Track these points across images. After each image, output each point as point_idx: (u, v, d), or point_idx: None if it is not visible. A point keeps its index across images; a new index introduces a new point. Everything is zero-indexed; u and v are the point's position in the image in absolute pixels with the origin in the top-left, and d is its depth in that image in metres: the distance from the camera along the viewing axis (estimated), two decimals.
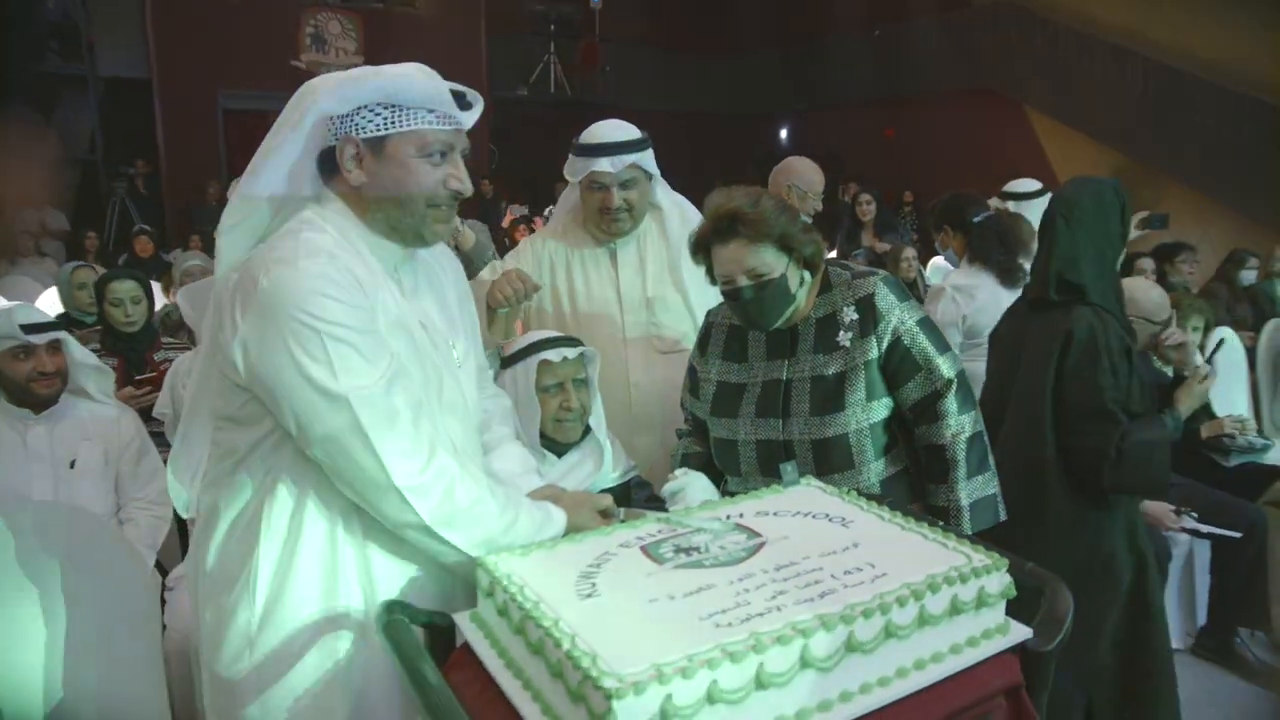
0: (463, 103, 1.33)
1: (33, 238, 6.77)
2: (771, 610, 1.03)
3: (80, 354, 2.30)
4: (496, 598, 1.13)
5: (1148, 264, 4.29)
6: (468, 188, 1.35)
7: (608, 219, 2.14)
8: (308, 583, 1.29)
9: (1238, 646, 2.82)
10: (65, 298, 3.97)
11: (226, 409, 1.30)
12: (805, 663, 0.98)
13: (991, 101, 9.84)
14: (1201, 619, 2.93)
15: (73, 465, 2.19)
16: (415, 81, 1.27)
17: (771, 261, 1.66)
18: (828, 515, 1.33)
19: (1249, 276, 5.04)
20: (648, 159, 2.16)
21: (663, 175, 2.23)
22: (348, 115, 1.28)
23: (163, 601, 2.14)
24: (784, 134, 13.45)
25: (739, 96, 13.30)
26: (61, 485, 2.16)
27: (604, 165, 2.08)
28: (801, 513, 1.34)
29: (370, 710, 1.31)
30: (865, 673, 1.03)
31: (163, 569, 2.30)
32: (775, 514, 1.34)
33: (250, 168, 1.33)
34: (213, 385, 1.33)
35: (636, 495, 2.01)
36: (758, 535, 1.25)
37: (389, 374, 1.24)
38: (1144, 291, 2.67)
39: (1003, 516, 1.74)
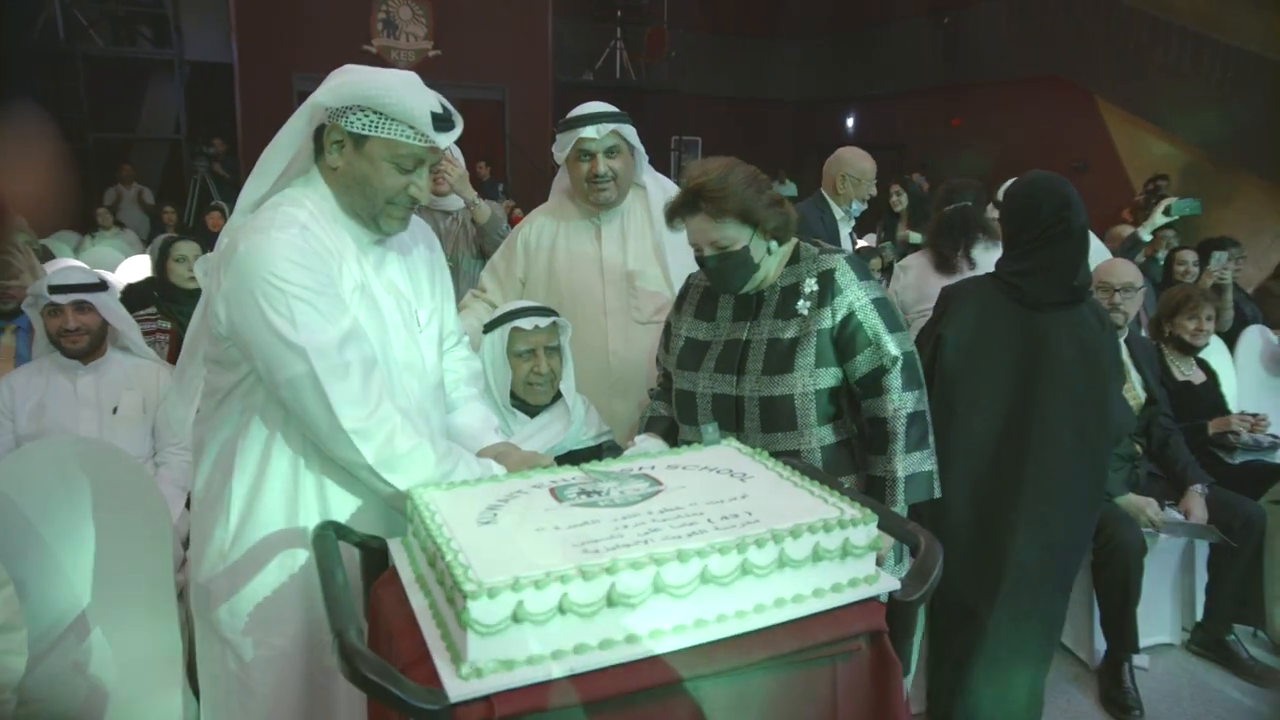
0: (446, 122, 1.48)
1: (110, 212, 7.28)
2: (639, 543, 1.15)
3: (115, 316, 2.55)
4: (414, 521, 1.29)
5: (1190, 256, 4.17)
6: (425, 198, 1.53)
7: (595, 187, 2.28)
8: (273, 507, 1.49)
9: (1231, 644, 2.79)
10: (155, 266, 4.35)
11: (213, 353, 1.50)
12: (658, 588, 1.10)
13: (1060, 89, 9.53)
14: (1199, 615, 2.91)
15: (115, 411, 2.46)
16: (404, 97, 1.43)
17: (734, 234, 1.77)
18: (730, 470, 1.44)
19: None
20: (629, 131, 2.29)
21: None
22: (341, 106, 1.45)
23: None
24: (849, 121, 13.28)
25: (803, 83, 13.19)
26: (105, 429, 2.43)
27: (589, 132, 2.24)
28: (708, 468, 1.46)
29: (320, 613, 1.49)
30: (722, 604, 1.14)
31: None
32: (684, 468, 1.46)
33: (264, 156, 1.52)
34: (204, 332, 1.53)
35: (608, 458, 2.15)
36: (658, 484, 1.37)
37: (345, 332, 1.41)
38: (1120, 265, 2.80)
39: (937, 494, 1.81)
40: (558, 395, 2.12)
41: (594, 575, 1.07)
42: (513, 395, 2.07)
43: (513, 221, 3.39)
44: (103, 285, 2.46)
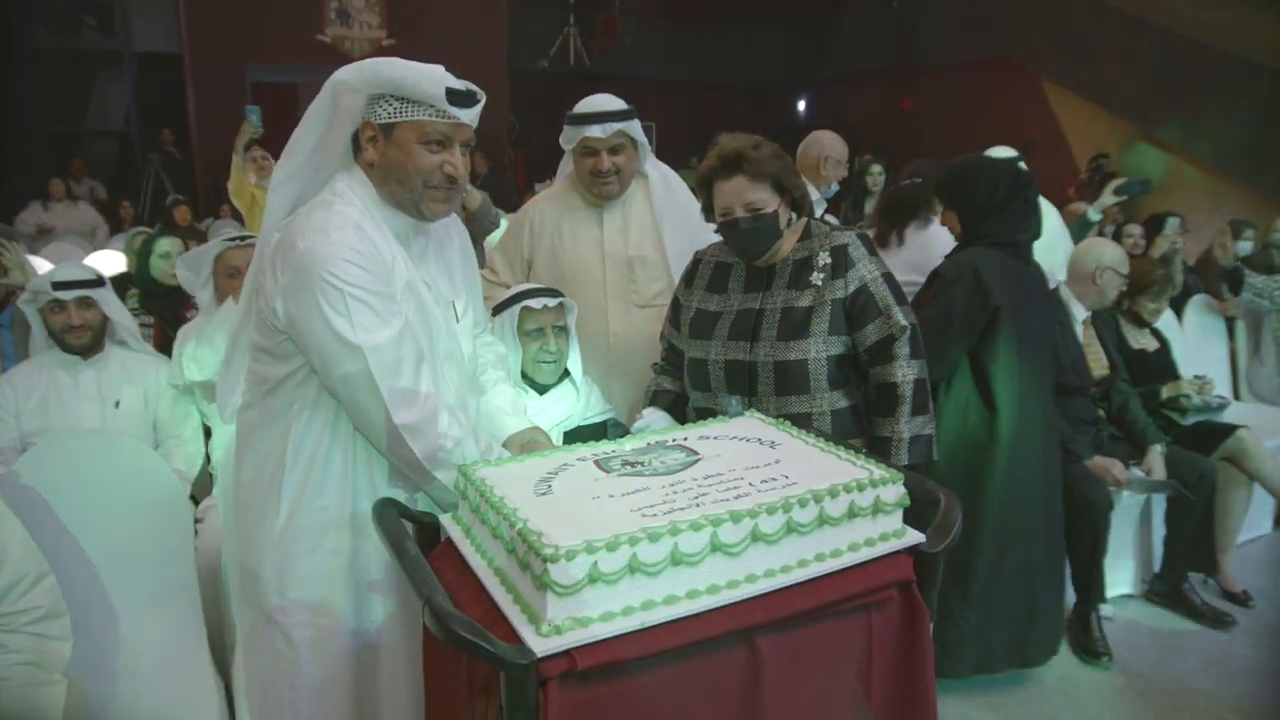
0: (467, 98, 1.52)
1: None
2: (691, 506, 1.24)
3: (116, 311, 2.57)
4: (470, 497, 1.36)
5: (1135, 230, 4.41)
6: (460, 174, 1.56)
7: (599, 182, 2.36)
8: (326, 494, 1.54)
9: (1187, 591, 3.00)
10: (138, 261, 4.25)
11: (265, 344, 1.54)
12: (714, 546, 1.19)
13: (1007, 71, 9.83)
14: (1156, 566, 3.12)
15: (117, 405, 2.46)
16: (422, 78, 1.48)
17: (767, 198, 1.88)
18: (759, 439, 1.54)
19: (1245, 248, 5.09)
20: (634, 128, 2.37)
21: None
22: (370, 102, 1.50)
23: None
24: (801, 106, 13.47)
25: (756, 68, 13.33)
26: (108, 423, 2.43)
27: (595, 131, 2.30)
28: (738, 437, 1.55)
29: (369, 592, 1.57)
30: (769, 560, 1.24)
31: (194, 500, 2.57)
32: (715, 438, 1.55)
33: (295, 132, 1.56)
34: (253, 323, 1.57)
35: (612, 435, 2.24)
36: (695, 453, 1.46)
37: (398, 331, 1.47)
38: (1110, 247, 2.97)
39: (936, 456, 1.94)
40: (564, 374, 2.20)
41: (659, 537, 1.15)
42: (522, 374, 2.14)
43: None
44: (102, 281, 2.46)
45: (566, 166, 2.52)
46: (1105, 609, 2.90)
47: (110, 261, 4.11)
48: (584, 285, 2.38)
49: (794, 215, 1.94)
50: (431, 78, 1.49)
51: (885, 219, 3.26)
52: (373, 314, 1.44)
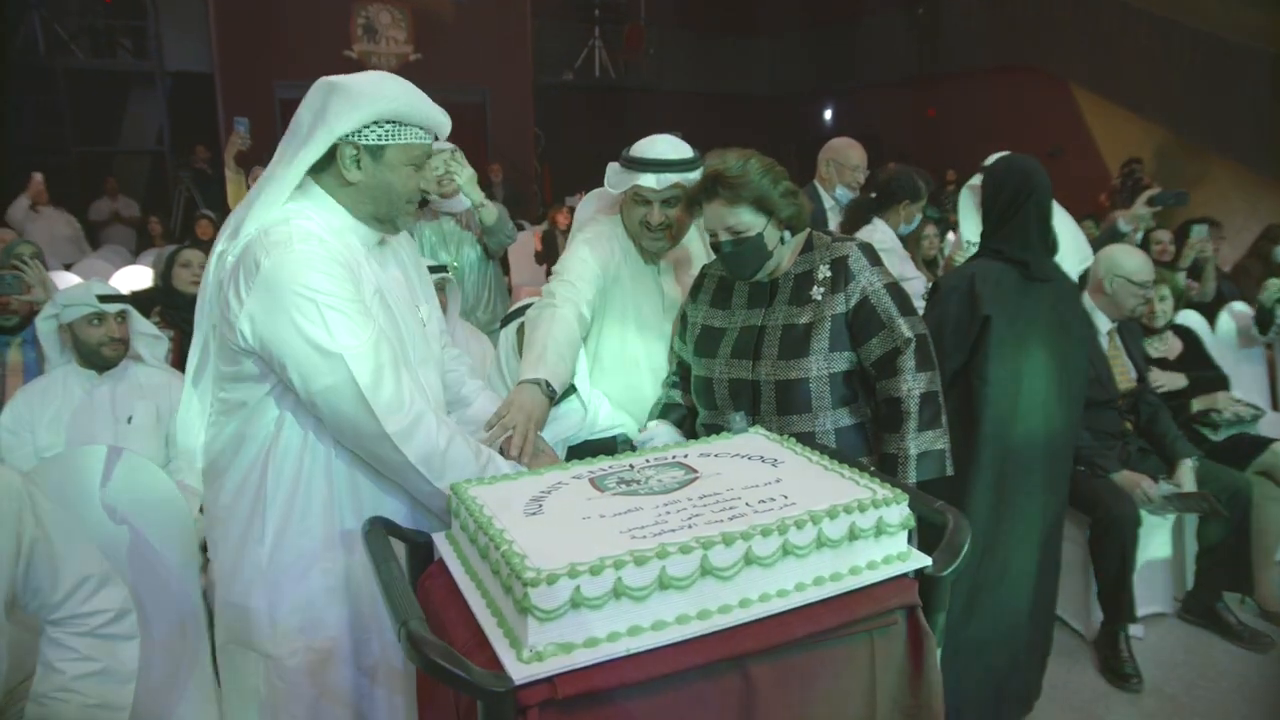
0: (447, 116, 1.56)
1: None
2: (684, 528, 1.20)
3: (142, 325, 2.62)
4: (461, 516, 1.34)
5: (1165, 235, 4.30)
6: (432, 188, 1.59)
7: (647, 235, 2.14)
8: (310, 516, 1.51)
9: (1221, 611, 2.89)
10: (162, 274, 4.29)
11: (231, 370, 1.50)
12: (705, 570, 1.15)
13: (1035, 78, 9.70)
14: (1189, 584, 3.01)
15: (130, 421, 2.48)
16: (413, 103, 1.49)
17: (749, 221, 1.83)
18: (761, 457, 1.49)
19: None
20: (694, 178, 2.07)
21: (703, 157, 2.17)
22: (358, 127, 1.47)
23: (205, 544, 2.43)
24: (827, 115, 13.40)
25: (781, 78, 13.29)
26: (120, 438, 2.44)
27: (648, 181, 2.05)
28: (740, 455, 1.51)
29: (361, 612, 1.54)
30: (765, 584, 1.20)
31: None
32: (716, 455, 1.51)
33: (269, 171, 1.51)
34: (214, 350, 1.54)
35: (621, 451, 2.20)
36: (694, 471, 1.42)
37: (375, 336, 1.45)
38: (1127, 256, 2.84)
39: (949, 471, 1.87)
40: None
41: (646, 560, 1.11)
42: None
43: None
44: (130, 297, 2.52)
45: (604, 198, 2.27)
46: (1135, 629, 2.80)
47: (140, 277, 4.19)
48: (645, 333, 2.21)
49: (787, 233, 1.89)
50: (420, 96, 1.50)
51: (849, 221, 3.41)
52: (348, 320, 1.42)
